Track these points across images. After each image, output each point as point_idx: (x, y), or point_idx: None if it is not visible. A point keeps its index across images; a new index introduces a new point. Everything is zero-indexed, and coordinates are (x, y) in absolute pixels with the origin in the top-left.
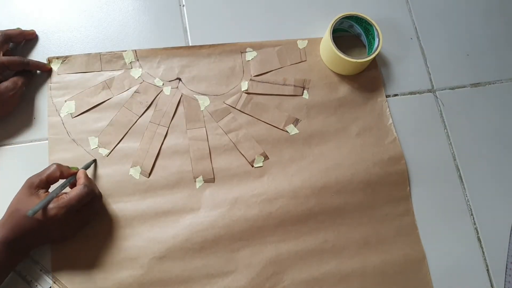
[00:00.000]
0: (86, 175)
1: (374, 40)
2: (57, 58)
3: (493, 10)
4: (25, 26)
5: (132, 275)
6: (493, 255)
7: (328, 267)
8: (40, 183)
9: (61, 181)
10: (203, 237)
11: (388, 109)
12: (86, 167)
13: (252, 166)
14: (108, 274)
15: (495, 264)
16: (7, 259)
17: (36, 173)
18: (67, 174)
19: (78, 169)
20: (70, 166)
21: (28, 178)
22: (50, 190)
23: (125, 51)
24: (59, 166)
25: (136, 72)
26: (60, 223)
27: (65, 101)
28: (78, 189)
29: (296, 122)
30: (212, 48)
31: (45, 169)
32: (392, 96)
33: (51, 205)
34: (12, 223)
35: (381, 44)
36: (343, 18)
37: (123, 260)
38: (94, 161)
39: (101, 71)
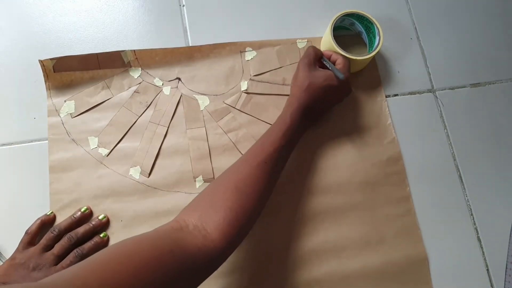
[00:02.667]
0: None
1: (374, 38)
2: (51, 59)
3: (493, 10)
4: (26, 26)
5: None
6: (493, 255)
7: (329, 267)
8: (315, 59)
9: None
10: None
11: (387, 109)
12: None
13: None
14: None
15: (495, 264)
16: (302, 124)
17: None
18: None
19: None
20: None
21: (301, 60)
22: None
23: (124, 51)
24: (314, 48)
25: (135, 72)
26: (345, 89)
27: (65, 101)
28: (343, 58)
29: None
30: (211, 48)
31: (306, 52)
32: (392, 96)
33: (339, 70)
34: (309, 92)
35: (382, 42)
36: (344, 15)
37: None
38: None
39: (99, 69)
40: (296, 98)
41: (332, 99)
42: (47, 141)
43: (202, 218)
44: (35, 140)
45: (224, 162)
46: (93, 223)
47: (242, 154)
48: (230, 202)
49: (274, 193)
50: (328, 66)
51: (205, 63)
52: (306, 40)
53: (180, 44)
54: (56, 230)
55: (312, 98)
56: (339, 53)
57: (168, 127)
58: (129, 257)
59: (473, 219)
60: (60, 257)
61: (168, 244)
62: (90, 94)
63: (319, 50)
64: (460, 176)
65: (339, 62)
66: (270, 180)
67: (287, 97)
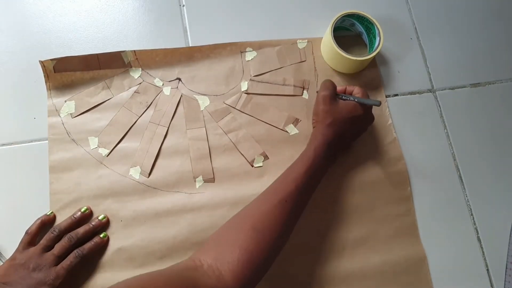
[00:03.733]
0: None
1: (375, 38)
2: (51, 60)
3: (493, 10)
4: (26, 26)
5: (132, 275)
6: (493, 255)
7: (328, 267)
8: (334, 92)
9: None
10: (203, 237)
11: (387, 109)
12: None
13: (252, 166)
14: (108, 274)
15: (495, 264)
16: (327, 158)
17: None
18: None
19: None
20: None
21: (321, 94)
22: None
23: (124, 51)
24: (331, 81)
25: (136, 72)
26: (371, 117)
27: (65, 101)
28: (360, 88)
29: (296, 122)
30: (212, 48)
31: (324, 84)
32: (392, 96)
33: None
34: (334, 127)
35: (382, 42)
36: (344, 16)
37: (123, 260)
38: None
39: (100, 69)
40: (321, 133)
41: (358, 130)
42: (47, 141)
43: (217, 258)
44: (35, 140)
45: (224, 162)
46: (93, 223)
47: (242, 154)
48: (246, 243)
49: None
50: (352, 99)
51: (205, 63)
52: (306, 40)
53: (180, 44)
54: (56, 230)
55: (337, 132)
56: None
57: (168, 127)
58: None
59: (473, 219)
60: (60, 258)
61: (182, 283)
62: (91, 94)
63: (334, 84)
64: (460, 176)
65: (357, 91)
66: (290, 219)
67: (287, 97)
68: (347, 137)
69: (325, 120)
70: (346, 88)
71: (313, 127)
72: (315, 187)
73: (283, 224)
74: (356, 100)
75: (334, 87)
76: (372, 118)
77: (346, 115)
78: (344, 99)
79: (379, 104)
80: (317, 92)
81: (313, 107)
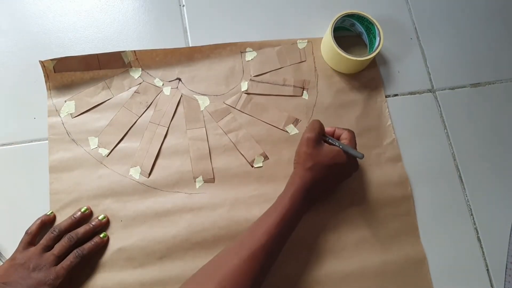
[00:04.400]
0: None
1: (375, 39)
2: (51, 60)
3: (493, 10)
4: (26, 26)
5: (132, 275)
6: (493, 255)
7: (328, 267)
8: (320, 134)
9: None
10: (203, 237)
11: (387, 110)
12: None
13: (252, 166)
14: (108, 274)
15: (495, 264)
16: (304, 206)
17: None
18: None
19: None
20: None
21: (305, 135)
22: None
23: (124, 51)
24: (320, 122)
25: (136, 72)
26: (354, 166)
27: (65, 101)
28: (349, 132)
29: (296, 122)
30: (212, 48)
31: (311, 125)
32: (392, 96)
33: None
34: (314, 172)
35: (382, 42)
36: (344, 16)
37: (123, 260)
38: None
39: (100, 69)
40: (299, 177)
41: (339, 177)
42: (47, 141)
43: None
44: (35, 140)
45: (224, 162)
46: (93, 223)
47: (242, 154)
48: None
49: (273, 194)
50: (337, 145)
51: (205, 64)
52: (306, 40)
53: (180, 44)
54: (56, 230)
55: (317, 178)
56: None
57: (168, 128)
58: None
59: (473, 219)
60: (60, 257)
61: None
62: (91, 94)
63: (322, 125)
64: (460, 176)
65: (345, 136)
66: (262, 274)
67: (287, 97)
68: (328, 183)
69: (306, 164)
70: (335, 130)
71: (294, 168)
72: (290, 235)
73: (253, 280)
74: (341, 147)
75: (321, 128)
76: (356, 166)
77: (328, 161)
78: (330, 143)
79: (361, 157)
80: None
81: (297, 146)
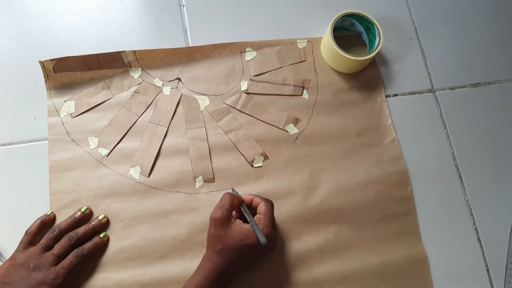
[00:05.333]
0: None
1: (375, 38)
2: (51, 60)
3: (493, 10)
4: (26, 26)
5: (132, 275)
6: (493, 255)
7: (328, 267)
8: (230, 212)
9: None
10: (203, 237)
11: (387, 109)
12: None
13: (252, 166)
14: (108, 274)
15: (495, 264)
16: None
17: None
18: (239, 201)
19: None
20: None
21: (212, 216)
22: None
23: (124, 51)
24: (231, 195)
25: (135, 72)
26: (270, 245)
27: (65, 101)
28: (265, 204)
29: (296, 121)
30: (211, 48)
31: (221, 201)
32: (392, 96)
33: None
34: (223, 256)
35: (382, 42)
36: (344, 16)
37: (123, 260)
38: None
39: (100, 70)
40: (208, 260)
41: (253, 258)
42: (47, 141)
43: None
44: (35, 140)
45: (224, 162)
46: (93, 223)
47: (242, 154)
48: None
49: (273, 194)
50: (248, 220)
51: (205, 64)
52: (306, 40)
53: (180, 44)
54: (56, 230)
55: (227, 261)
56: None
57: (168, 127)
58: None
59: (473, 219)
60: (60, 257)
61: None
62: (90, 94)
63: (236, 198)
64: (460, 176)
65: (261, 209)
66: None
67: (287, 97)
68: (241, 264)
69: (215, 246)
70: (253, 198)
71: (206, 249)
72: None
73: None
74: (250, 224)
75: (232, 204)
76: (273, 244)
77: (238, 243)
78: (244, 214)
79: (263, 242)
80: (232, 189)
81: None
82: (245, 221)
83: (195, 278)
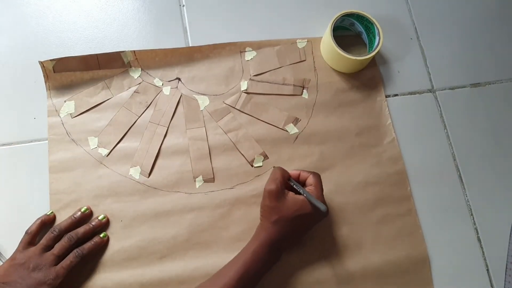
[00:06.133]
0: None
1: (374, 38)
2: (51, 60)
3: (493, 10)
4: (26, 26)
5: (132, 275)
6: (493, 255)
7: (329, 267)
8: (283, 184)
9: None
10: (203, 237)
11: (387, 109)
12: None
13: (252, 166)
14: (108, 274)
15: (495, 264)
16: (268, 260)
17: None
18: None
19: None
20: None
21: (267, 188)
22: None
23: (124, 51)
24: (281, 169)
25: (135, 72)
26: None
27: (65, 101)
28: (314, 177)
29: (295, 121)
30: (211, 48)
31: (273, 174)
32: (392, 96)
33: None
34: (279, 226)
35: (382, 42)
36: (344, 15)
37: (123, 260)
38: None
39: (99, 70)
40: (264, 230)
41: (307, 226)
42: (47, 141)
43: None
44: (35, 140)
45: (224, 162)
46: (93, 223)
47: (242, 154)
48: None
49: None
50: (301, 192)
51: (205, 63)
52: (306, 40)
53: (180, 44)
54: (56, 230)
55: (283, 231)
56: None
57: (168, 127)
58: None
59: (473, 219)
60: (60, 257)
61: None
62: (90, 94)
63: (285, 172)
64: (460, 176)
65: (310, 182)
66: None
67: (287, 97)
68: (295, 234)
69: (271, 217)
70: (300, 173)
71: (260, 220)
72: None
73: None
74: (305, 195)
75: (284, 177)
76: (324, 213)
77: (293, 213)
78: (295, 189)
79: (324, 210)
80: (273, 167)
81: (262, 199)
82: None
83: (252, 246)
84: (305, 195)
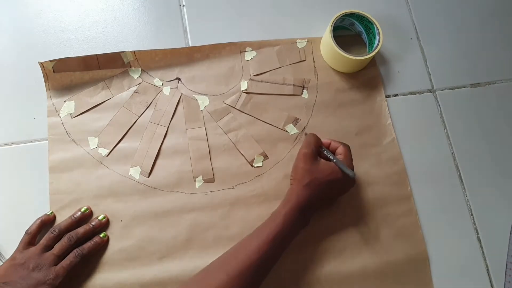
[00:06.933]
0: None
1: (374, 38)
2: (51, 61)
3: (492, 10)
4: (26, 26)
5: (132, 275)
6: (493, 255)
7: (329, 267)
8: (317, 149)
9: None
10: (203, 237)
11: (387, 109)
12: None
13: (252, 166)
14: (108, 274)
15: (495, 264)
16: (298, 224)
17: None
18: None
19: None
20: None
21: (302, 151)
22: None
23: (124, 51)
24: (314, 135)
25: (135, 73)
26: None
27: (65, 101)
28: (344, 147)
29: (295, 121)
30: (211, 48)
31: (307, 140)
32: (392, 96)
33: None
34: (310, 189)
35: (382, 42)
36: (344, 15)
37: (123, 260)
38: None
39: (99, 70)
40: (296, 193)
41: (335, 193)
42: (47, 141)
43: None
44: (35, 140)
45: (224, 162)
46: (93, 223)
47: (242, 154)
48: None
49: (273, 194)
50: (332, 159)
51: (205, 63)
52: (306, 40)
53: (180, 44)
54: (56, 230)
55: (313, 195)
56: (338, 142)
57: (168, 127)
58: None
59: (473, 219)
60: (60, 257)
61: None
62: (90, 94)
63: (319, 139)
64: (460, 176)
65: (340, 151)
66: None
67: (287, 97)
68: (324, 200)
69: (303, 180)
70: (331, 142)
71: (291, 184)
72: (282, 253)
73: None
74: (335, 161)
75: (318, 143)
76: (352, 182)
77: (325, 177)
78: (326, 156)
79: (353, 176)
80: (305, 134)
81: (294, 161)
82: None
83: (283, 209)
84: (335, 161)
